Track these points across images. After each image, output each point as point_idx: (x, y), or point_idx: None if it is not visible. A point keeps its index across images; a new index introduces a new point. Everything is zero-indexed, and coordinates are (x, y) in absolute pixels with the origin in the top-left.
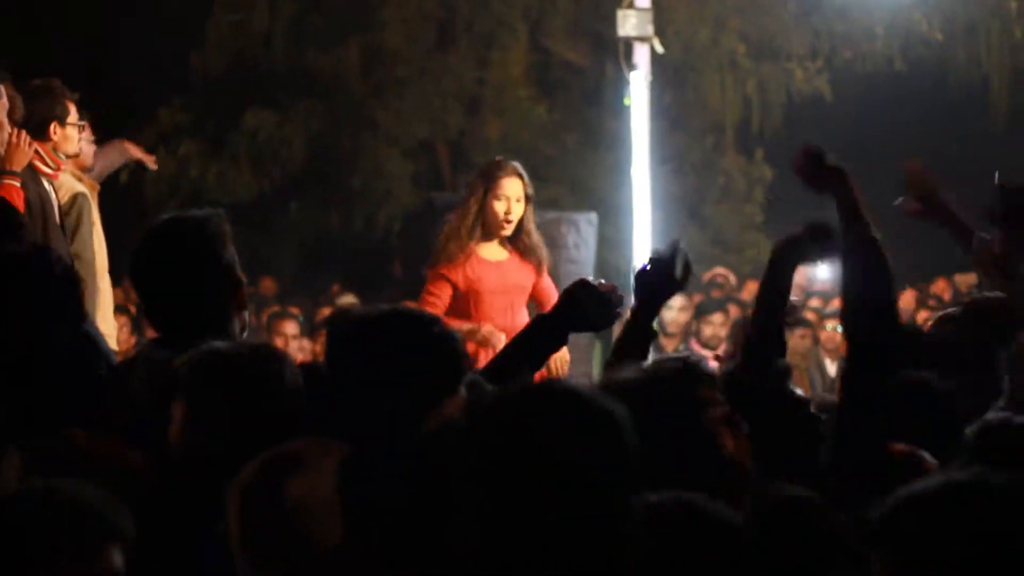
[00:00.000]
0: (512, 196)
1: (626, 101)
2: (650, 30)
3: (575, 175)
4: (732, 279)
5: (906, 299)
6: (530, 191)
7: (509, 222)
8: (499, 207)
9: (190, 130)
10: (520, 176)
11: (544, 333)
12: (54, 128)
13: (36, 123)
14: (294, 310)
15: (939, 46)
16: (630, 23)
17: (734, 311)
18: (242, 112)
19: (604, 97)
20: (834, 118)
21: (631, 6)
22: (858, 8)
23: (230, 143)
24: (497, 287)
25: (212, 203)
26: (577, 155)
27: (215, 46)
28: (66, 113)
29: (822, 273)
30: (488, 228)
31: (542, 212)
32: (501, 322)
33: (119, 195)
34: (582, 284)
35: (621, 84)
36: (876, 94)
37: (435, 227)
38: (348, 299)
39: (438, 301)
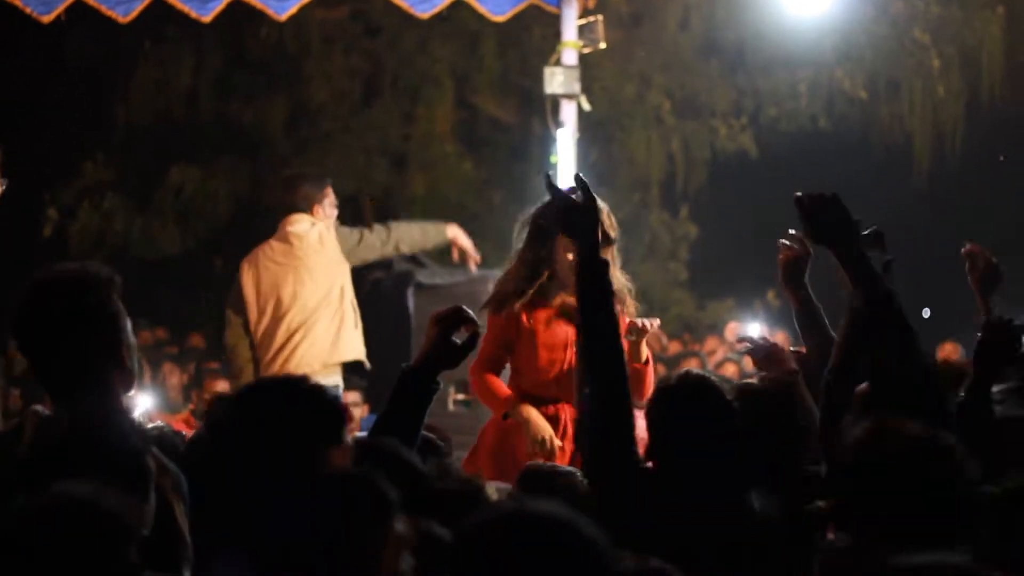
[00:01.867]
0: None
1: (553, 159)
2: (577, 87)
3: (501, 232)
4: (664, 340)
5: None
6: None
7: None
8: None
9: (115, 184)
10: None
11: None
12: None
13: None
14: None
15: (862, 104)
16: (557, 80)
17: (660, 369)
18: (167, 167)
19: (530, 154)
20: (758, 175)
21: (558, 63)
22: (782, 66)
23: (155, 198)
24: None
25: (137, 258)
26: (503, 212)
27: (140, 100)
28: None
29: (752, 331)
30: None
31: (467, 270)
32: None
33: (43, 248)
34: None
35: (548, 141)
36: (800, 151)
37: (360, 284)
38: None
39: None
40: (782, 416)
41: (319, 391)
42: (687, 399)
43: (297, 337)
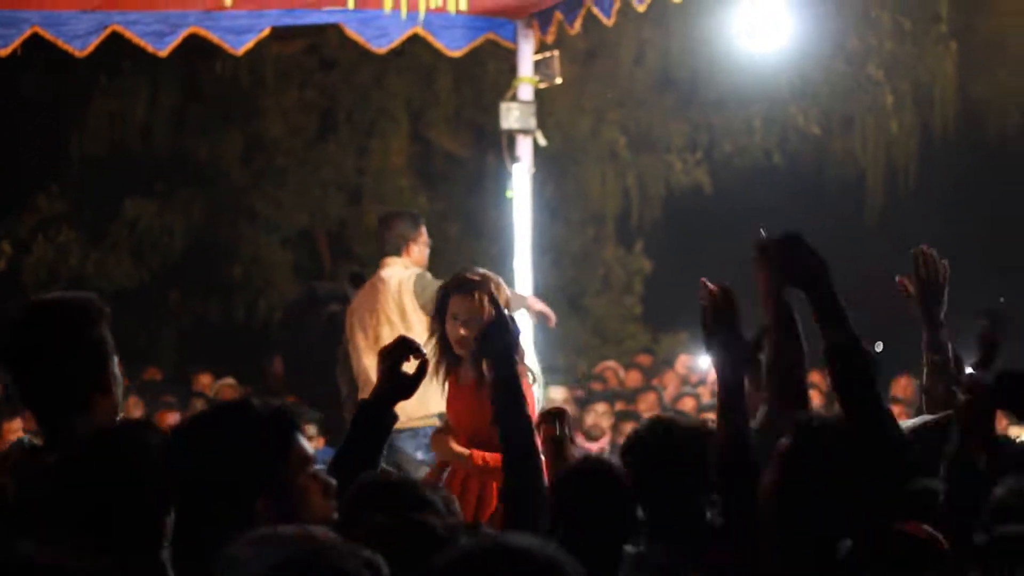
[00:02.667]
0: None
1: (508, 194)
2: (533, 123)
3: (456, 265)
4: (621, 373)
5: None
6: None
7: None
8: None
9: (69, 217)
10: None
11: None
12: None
13: None
14: (168, 398)
15: (816, 140)
16: (513, 116)
17: (619, 404)
18: (122, 200)
19: (485, 187)
20: (713, 209)
21: (514, 99)
22: (735, 102)
23: (110, 231)
24: None
25: (92, 291)
26: (458, 245)
27: (95, 133)
28: None
29: (703, 363)
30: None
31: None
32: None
33: None
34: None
35: (502, 175)
36: (755, 186)
37: (317, 317)
38: (228, 380)
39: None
40: (688, 460)
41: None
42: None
43: None
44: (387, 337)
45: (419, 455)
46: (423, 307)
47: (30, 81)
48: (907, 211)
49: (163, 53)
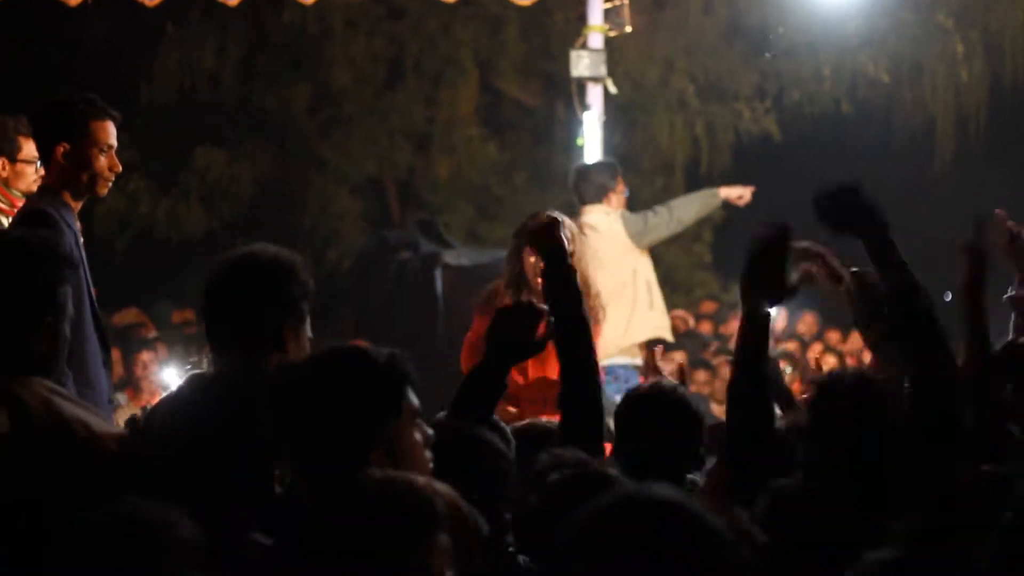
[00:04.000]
0: None
1: (579, 141)
2: (603, 70)
3: (525, 213)
4: (691, 321)
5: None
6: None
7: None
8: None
9: (139, 167)
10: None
11: (484, 372)
12: (2, 164)
13: None
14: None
15: (885, 88)
16: (583, 63)
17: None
18: (191, 149)
19: (554, 136)
20: (782, 158)
21: (584, 47)
22: (805, 50)
23: (179, 180)
24: None
25: (162, 240)
26: (527, 194)
27: (163, 83)
28: (16, 149)
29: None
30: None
31: (493, 251)
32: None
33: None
34: (498, 313)
35: (571, 123)
36: (823, 135)
37: (388, 264)
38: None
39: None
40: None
41: (384, 365)
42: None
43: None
44: (601, 280)
45: (617, 398)
46: (638, 244)
47: (97, 31)
48: (977, 160)
49: (233, 2)
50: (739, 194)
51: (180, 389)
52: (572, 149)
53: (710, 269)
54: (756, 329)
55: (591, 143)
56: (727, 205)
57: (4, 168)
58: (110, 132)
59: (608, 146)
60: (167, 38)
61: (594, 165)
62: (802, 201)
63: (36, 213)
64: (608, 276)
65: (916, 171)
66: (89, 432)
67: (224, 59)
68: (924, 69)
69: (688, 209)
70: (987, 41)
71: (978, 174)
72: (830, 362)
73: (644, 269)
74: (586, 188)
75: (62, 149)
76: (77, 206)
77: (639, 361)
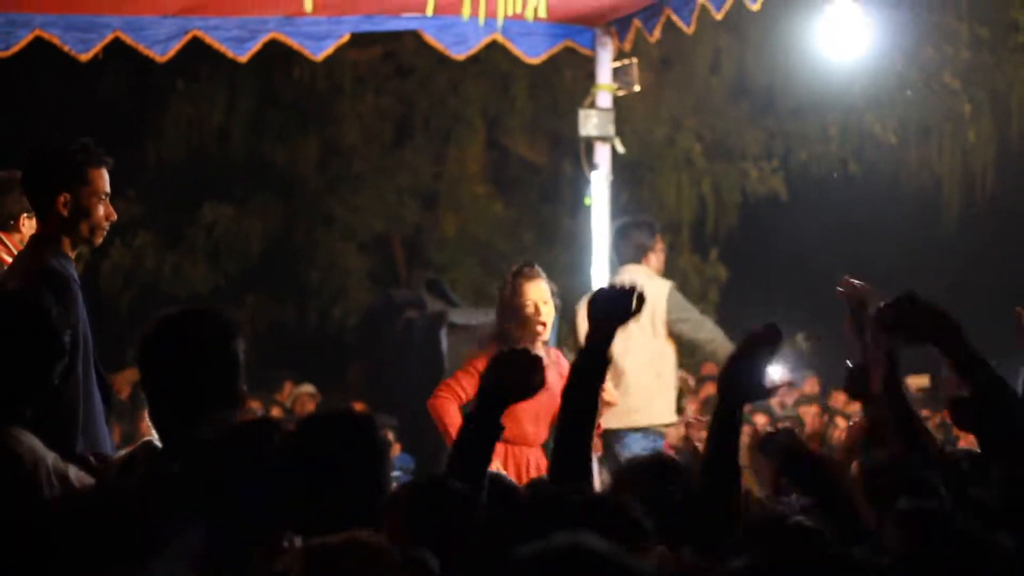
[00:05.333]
0: (539, 299)
1: (587, 201)
2: (612, 130)
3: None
4: (691, 382)
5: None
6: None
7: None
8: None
9: (146, 222)
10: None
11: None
12: (23, 220)
13: (4, 216)
14: (254, 404)
15: (892, 148)
16: (592, 123)
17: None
18: (199, 205)
19: (561, 195)
20: (788, 218)
21: (592, 106)
22: (811, 110)
23: (186, 235)
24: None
25: (168, 295)
26: (533, 252)
27: (172, 138)
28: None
29: (774, 374)
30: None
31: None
32: (532, 429)
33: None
34: (495, 358)
35: (578, 182)
36: (830, 195)
37: (394, 323)
38: (307, 388)
39: (461, 394)
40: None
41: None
42: None
43: (621, 386)
44: (635, 342)
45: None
46: (671, 323)
47: (107, 86)
48: (984, 221)
49: (243, 59)
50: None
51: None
52: (579, 207)
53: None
54: (728, 427)
55: (598, 202)
56: (732, 264)
57: (24, 224)
58: (106, 179)
59: (615, 205)
60: (177, 94)
61: (633, 223)
62: (806, 261)
63: (46, 272)
64: (643, 340)
65: (923, 231)
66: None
67: (233, 115)
68: (931, 130)
69: (713, 345)
70: (994, 102)
71: (985, 234)
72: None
73: (670, 352)
74: (625, 248)
75: (63, 199)
76: (74, 255)
77: (656, 443)
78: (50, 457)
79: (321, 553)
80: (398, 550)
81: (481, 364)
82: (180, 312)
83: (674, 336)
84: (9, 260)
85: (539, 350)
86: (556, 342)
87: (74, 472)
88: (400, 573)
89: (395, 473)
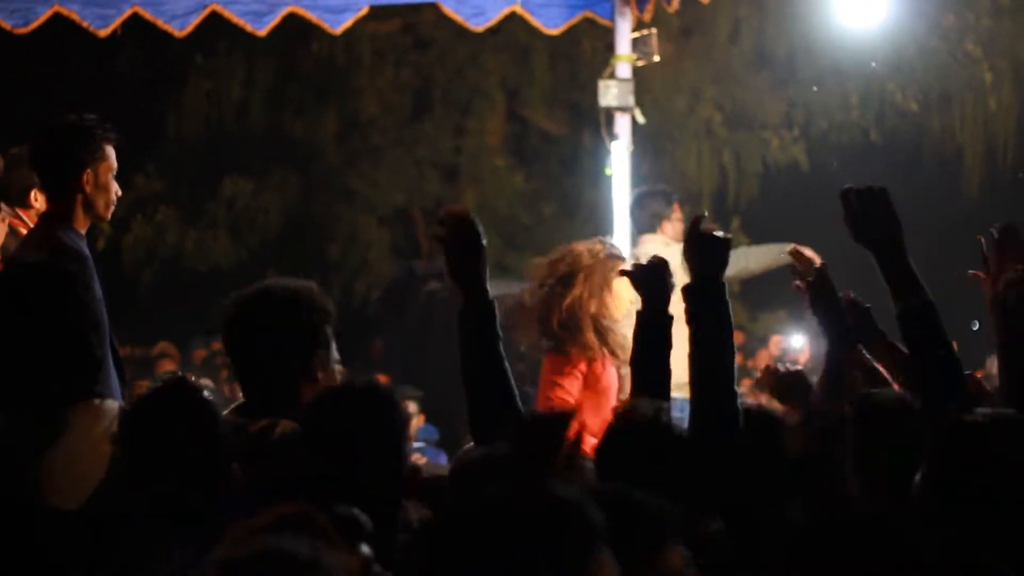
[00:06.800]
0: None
1: (607, 171)
2: (631, 100)
3: (552, 244)
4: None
5: None
6: None
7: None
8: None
9: (167, 197)
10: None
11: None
12: (35, 195)
13: (17, 191)
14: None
15: (914, 116)
16: (612, 93)
17: None
18: (219, 179)
19: (581, 166)
20: (809, 187)
21: (612, 76)
22: (832, 79)
23: (207, 210)
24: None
25: (189, 270)
26: (554, 224)
27: (191, 113)
28: None
29: (796, 343)
30: None
31: (522, 283)
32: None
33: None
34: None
35: (598, 153)
36: (851, 163)
37: (416, 295)
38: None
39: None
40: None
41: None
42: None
43: None
44: None
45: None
46: None
47: (126, 61)
48: (1005, 189)
49: (262, 33)
50: (810, 255)
51: None
52: (600, 179)
53: (737, 299)
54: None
55: (619, 173)
56: (753, 234)
57: (36, 199)
58: (114, 155)
59: (635, 176)
60: (195, 69)
61: (649, 192)
62: (828, 230)
63: (63, 249)
64: None
65: (945, 199)
66: None
67: (252, 89)
68: (952, 98)
69: (758, 259)
70: (1015, 70)
71: (1007, 202)
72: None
73: None
74: (641, 216)
75: (87, 176)
76: (84, 232)
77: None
78: None
79: (233, 565)
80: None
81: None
82: (253, 292)
83: None
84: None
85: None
86: None
87: None
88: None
89: (418, 444)
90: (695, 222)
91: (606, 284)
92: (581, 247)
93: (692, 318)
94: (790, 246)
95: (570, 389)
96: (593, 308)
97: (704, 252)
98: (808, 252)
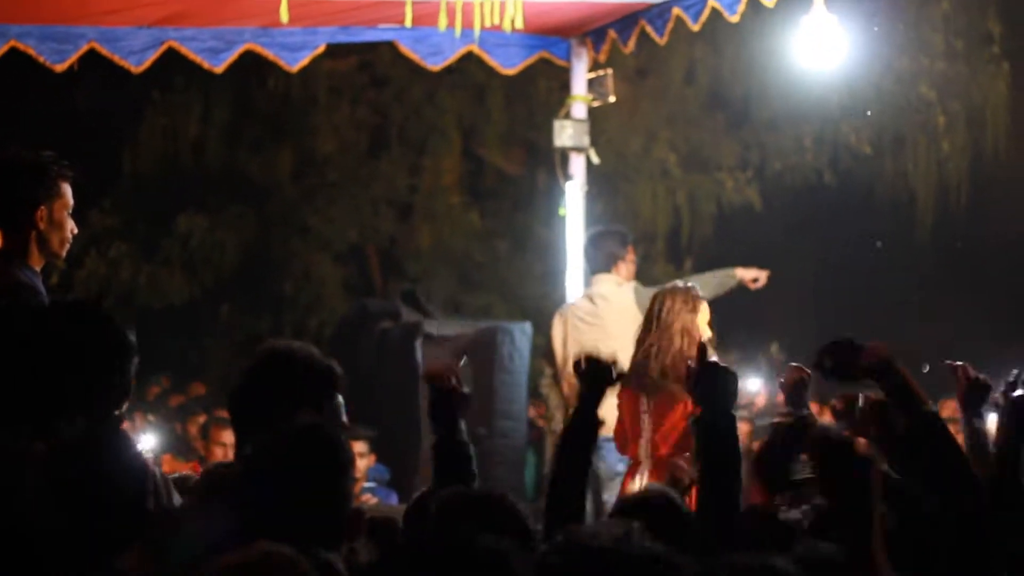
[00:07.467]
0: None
1: (561, 211)
2: (587, 141)
3: (506, 282)
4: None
5: None
6: None
7: None
8: None
9: (121, 232)
10: None
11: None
12: None
13: None
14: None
15: (867, 159)
16: (567, 133)
17: None
18: (174, 215)
19: (536, 205)
20: (764, 229)
21: (568, 116)
22: (787, 120)
23: (162, 246)
24: None
25: (143, 306)
26: (508, 263)
27: (147, 149)
28: None
29: (751, 386)
30: None
31: (475, 321)
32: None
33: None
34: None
35: (553, 193)
36: (805, 205)
37: (369, 333)
38: None
39: None
40: None
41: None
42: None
43: None
44: (610, 351)
45: (620, 467)
46: None
47: (82, 96)
48: (958, 232)
49: (219, 69)
50: (754, 276)
51: None
52: (554, 218)
53: None
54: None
55: (573, 213)
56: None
57: None
58: (71, 192)
59: (590, 216)
60: (152, 105)
61: (605, 232)
62: (781, 272)
63: (20, 287)
64: (618, 348)
65: (898, 242)
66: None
67: (208, 125)
68: (906, 141)
69: (707, 287)
70: (968, 114)
71: (959, 244)
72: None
73: None
74: (596, 256)
75: (41, 213)
76: (39, 269)
77: None
78: (158, 470)
79: (234, 569)
80: (310, 560)
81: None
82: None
83: None
84: None
85: None
86: (530, 354)
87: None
88: None
89: (368, 484)
90: (702, 351)
91: None
92: None
93: (703, 451)
94: (735, 270)
95: None
96: None
97: (717, 386)
98: (753, 273)
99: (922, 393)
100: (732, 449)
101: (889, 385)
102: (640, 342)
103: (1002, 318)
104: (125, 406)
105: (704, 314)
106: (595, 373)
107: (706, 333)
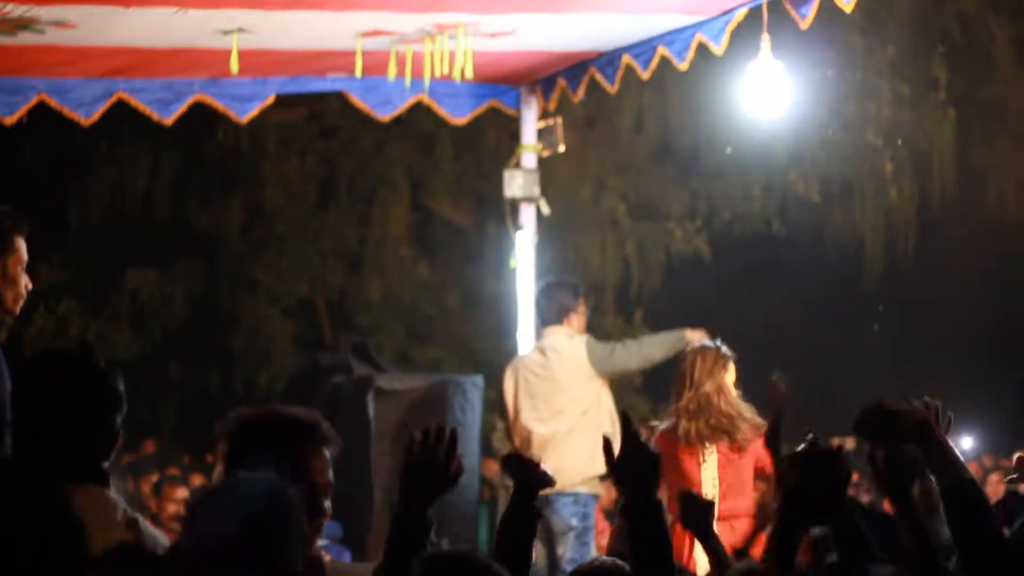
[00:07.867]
0: None
1: (511, 262)
2: (537, 191)
3: (456, 335)
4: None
5: None
6: None
7: None
8: None
9: (70, 288)
10: None
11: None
12: None
13: None
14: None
15: (815, 207)
16: (517, 184)
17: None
18: (123, 269)
19: (485, 256)
20: (712, 278)
21: (518, 166)
22: (735, 168)
23: (110, 301)
24: None
25: None
26: (458, 315)
27: (96, 202)
28: None
29: None
30: None
31: (427, 374)
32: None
33: None
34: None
35: (502, 243)
36: (754, 254)
37: (320, 388)
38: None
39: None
40: None
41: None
42: None
43: (550, 448)
44: (562, 404)
45: (574, 521)
46: (601, 372)
47: (29, 148)
48: (906, 278)
49: (168, 121)
50: (700, 337)
51: None
52: (504, 269)
53: (639, 392)
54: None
55: (523, 264)
56: (656, 325)
57: None
58: (25, 247)
59: (539, 266)
60: (100, 157)
61: (557, 283)
62: (730, 321)
63: None
64: (569, 400)
65: (847, 288)
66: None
67: (157, 178)
68: (853, 188)
69: (659, 348)
70: (916, 159)
71: (908, 291)
72: None
73: (607, 399)
74: (548, 307)
75: None
76: None
77: (599, 491)
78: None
79: None
80: None
81: None
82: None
83: (617, 371)
84: None
85: None
86: (482, 409)
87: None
88: None
89: (322, 542)
90: (631, 434)
91: None
92: None
93: (631, 534)
94: (684, 331)
95: None
96: None
97: (640, 468)
98: (700, 333)
99: (960, 459)
100: (661, 528)
101: (928, 448)
102: (677, 402)
103: (948, 363)
104: (112, 456)
105: (731, 373)
106: (522, 473)
107: (732, 392)
